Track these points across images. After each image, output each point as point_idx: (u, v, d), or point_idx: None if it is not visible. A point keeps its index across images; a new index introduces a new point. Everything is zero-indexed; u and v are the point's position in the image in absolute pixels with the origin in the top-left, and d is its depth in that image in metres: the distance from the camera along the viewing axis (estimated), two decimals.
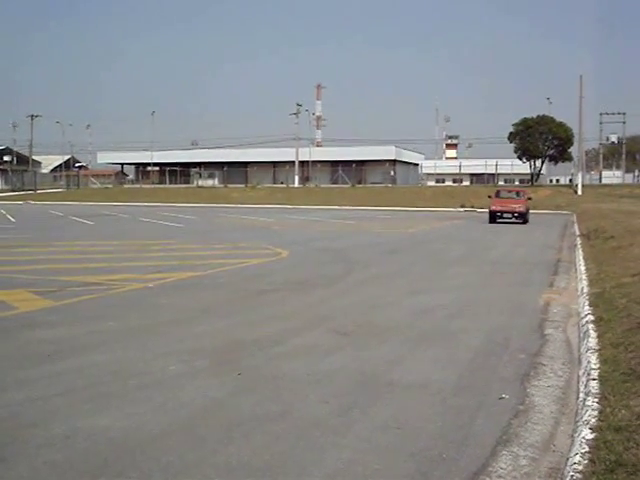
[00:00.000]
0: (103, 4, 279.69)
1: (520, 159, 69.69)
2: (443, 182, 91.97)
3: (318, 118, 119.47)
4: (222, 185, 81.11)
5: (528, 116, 67.91)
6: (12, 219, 32.49)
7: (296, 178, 77.98)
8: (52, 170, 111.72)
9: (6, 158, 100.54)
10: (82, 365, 6.41)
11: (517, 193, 37.61)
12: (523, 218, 32.96)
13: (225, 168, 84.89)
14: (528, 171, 71.75)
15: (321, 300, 10.25)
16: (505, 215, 33.19)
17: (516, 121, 68.12)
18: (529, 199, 35.77)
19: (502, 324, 8.57)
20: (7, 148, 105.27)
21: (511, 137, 67.99)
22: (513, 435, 4.71)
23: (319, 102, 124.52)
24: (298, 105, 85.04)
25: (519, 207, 33.33)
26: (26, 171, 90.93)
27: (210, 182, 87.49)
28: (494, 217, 33.47)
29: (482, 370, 6.42)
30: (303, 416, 5.06)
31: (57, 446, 4.43)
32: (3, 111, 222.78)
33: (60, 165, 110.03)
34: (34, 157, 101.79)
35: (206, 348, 7.12)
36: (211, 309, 9.42)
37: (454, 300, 10.39)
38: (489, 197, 35.75)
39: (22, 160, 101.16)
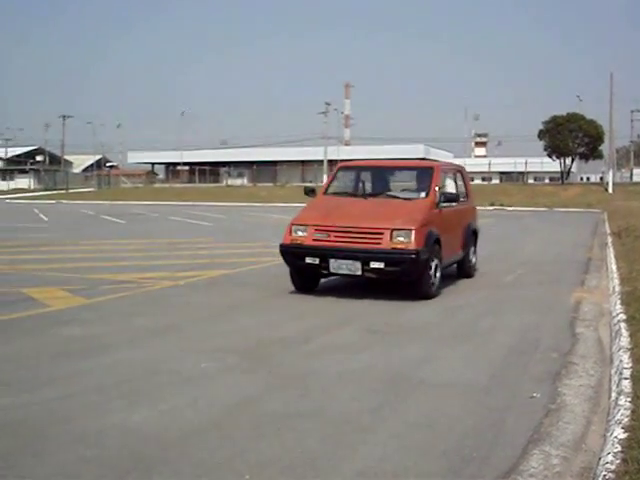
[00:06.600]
0: (135, 7, 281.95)
1: (550, 157, 69.06)
2: (472, 180, 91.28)
3: (346, 117, 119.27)
4: (251, 184, 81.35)
5: (558, 114, 67.36)
6: (45, 218, 32.84)
7: (324, 177, 77.97)
8: (84, 170, 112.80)
9: (39, 158, 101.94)
10: (114, 362, 6.48)
11: (420, 176, 11.77)
12: (408, 271, 9.74)
13: (254, 167, 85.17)
14: (558, 169, 71.10)
15: (350, 298, 10.23)
16: (339, 265, 9.83)
17: (546, 119, 67.61)
18: (451, 198, 11.30)
19: (533, 323, 8.51)
20: (39, 148, 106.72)
21: (541, 135, 67.37)
22: (545, 434, 4.67)
23: (348, 101, 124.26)
24: (327, 104, 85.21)
25: (395, 236, 9.77)
26: (58, 171, 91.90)
27: (239, 181, 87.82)
28: (300, 273, 10.63)
29: (513, 369, 6.38)
30: (333, 413, 5.07)
31: (90, 442, 4.48)
32: (35, 112, 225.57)
33: (91, 165, 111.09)
34: (66, 157, 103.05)
35: (236, 346, 7.16)
36: (241, 307, 9.46)
37: (484, 298, 10.34)
38: (309, 193, 11.98)
39: (54, 160, 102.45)
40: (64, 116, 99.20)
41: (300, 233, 10.36)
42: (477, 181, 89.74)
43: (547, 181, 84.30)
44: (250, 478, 3.96)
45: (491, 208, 45.15)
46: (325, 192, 11.82)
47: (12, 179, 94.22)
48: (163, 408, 5.17)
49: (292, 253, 10.37)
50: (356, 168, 12.79)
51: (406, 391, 5.67)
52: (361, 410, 5.15)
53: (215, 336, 7.66)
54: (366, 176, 12.30)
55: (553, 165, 72.71)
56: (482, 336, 7.76)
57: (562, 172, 69.93)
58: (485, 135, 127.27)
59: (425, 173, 11.54)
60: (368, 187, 12.00)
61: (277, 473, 4.04)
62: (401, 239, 9.72)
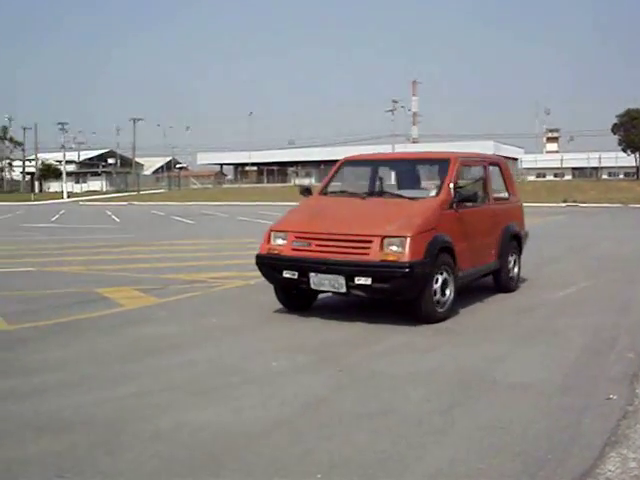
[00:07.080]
0: (194, 10, 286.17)
1: (624, 151, 67.45)
2: (544, 177, 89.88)
3: (414, 114, 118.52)
4: (318, 183, 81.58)
5: (632, 107, 65.73)
6: (117, 219, 33.54)
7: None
8: (154, 171, 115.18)
9: (110, 161, 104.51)
10: (186, 361, 6.56)
11: (432, 170, 10.34)
12: (399, 288, 7.89)
13: (321, 166, 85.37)
14: (634, 164, 69.36)
15: None
16: (320, 280, 8.10)
17: (620, 112, 66.07)
18: (470, 196, 9.10)
19: (608, 322, 8.28)
20: (111, 151, 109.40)
21: (615, 129, 65.90)
22: (622, 437, 4.54)
23: (415, 98, 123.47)
24: (394, 102, 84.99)
25: (386, 245, 7.89)
26: (129, 173, 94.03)
27: (307, 181, 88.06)
28: (284, 289, 8.95)
29: (588, 369, 6.23)
30: (404, 414, 5.04)
31: (164, 439, 4.55)
32: (107, 116, 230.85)
33: (162, 166, 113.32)
34: (136, 159, 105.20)
35: (306, 345, 7.18)
36: (311, 306, 9.45)
37: (556, 297, 10.12)
38: (304, 193, 9.89)
39: (125, 162, 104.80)
40: (134, 119, 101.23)
41: (280, 241, 8.63)
42: (549, 177, 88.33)
43: (621, 177, 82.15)
44: (322, 477, 3.96)
45: (564, 205, 44.32)
46: (322, 191, 9.94)
47: (85, 182, 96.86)
48: (234, 406, 5.21)
49: (268, 265, 8.68)
50: (362, 162, 11.11)
51: (478, 391, 5.59)
52: (432, 411, 5.10)
53: (285, 335, 7.69)
54: (373, 172, 10.23)
55: (628, 160, 71.00)
56: (556, 335, 7.59)
57: (637, 167, 68.20)
58: (557, 130, 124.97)
59: (439, 167, 9.61)
60: (372, 185, 10.09)
61: (349, 473, 4.03)
62: (393, 249, 7.86)
